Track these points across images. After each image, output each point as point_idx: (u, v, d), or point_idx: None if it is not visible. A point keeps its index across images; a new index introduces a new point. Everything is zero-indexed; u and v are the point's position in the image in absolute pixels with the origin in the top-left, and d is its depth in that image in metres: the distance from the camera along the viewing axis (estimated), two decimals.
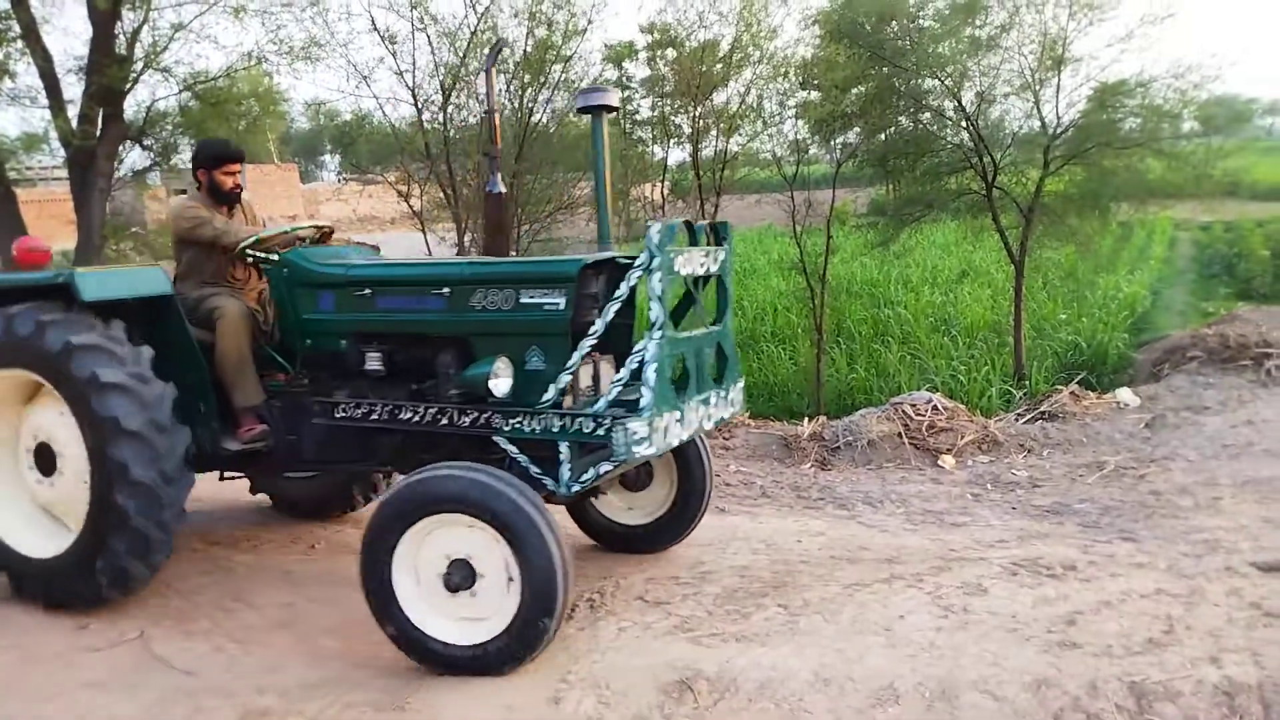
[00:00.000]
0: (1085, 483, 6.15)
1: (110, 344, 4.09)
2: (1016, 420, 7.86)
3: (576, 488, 3.86)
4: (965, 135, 15.00)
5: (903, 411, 7.50)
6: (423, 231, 12.23)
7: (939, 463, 6.88)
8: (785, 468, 7.08)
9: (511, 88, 12.72)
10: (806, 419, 8.33)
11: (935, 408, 7.53)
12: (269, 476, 5.66)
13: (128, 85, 11.63)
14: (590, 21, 13.12)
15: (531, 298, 3.97)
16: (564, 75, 13.26)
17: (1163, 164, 13.87)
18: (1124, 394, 8.42)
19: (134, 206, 14.84)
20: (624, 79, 19.05)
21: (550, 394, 3.87)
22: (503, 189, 4.78)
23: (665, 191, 18.10)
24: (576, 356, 3.85)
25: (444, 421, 4.04)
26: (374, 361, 4.30)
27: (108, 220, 11.99)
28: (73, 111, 11.56)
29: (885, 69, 15.42)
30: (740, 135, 16.80)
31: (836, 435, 7.38)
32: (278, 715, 3.42)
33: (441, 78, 12.29)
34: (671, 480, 4.82)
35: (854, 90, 16.57)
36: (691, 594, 4.31)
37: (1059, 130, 14.32)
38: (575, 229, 16.76)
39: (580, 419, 3.76)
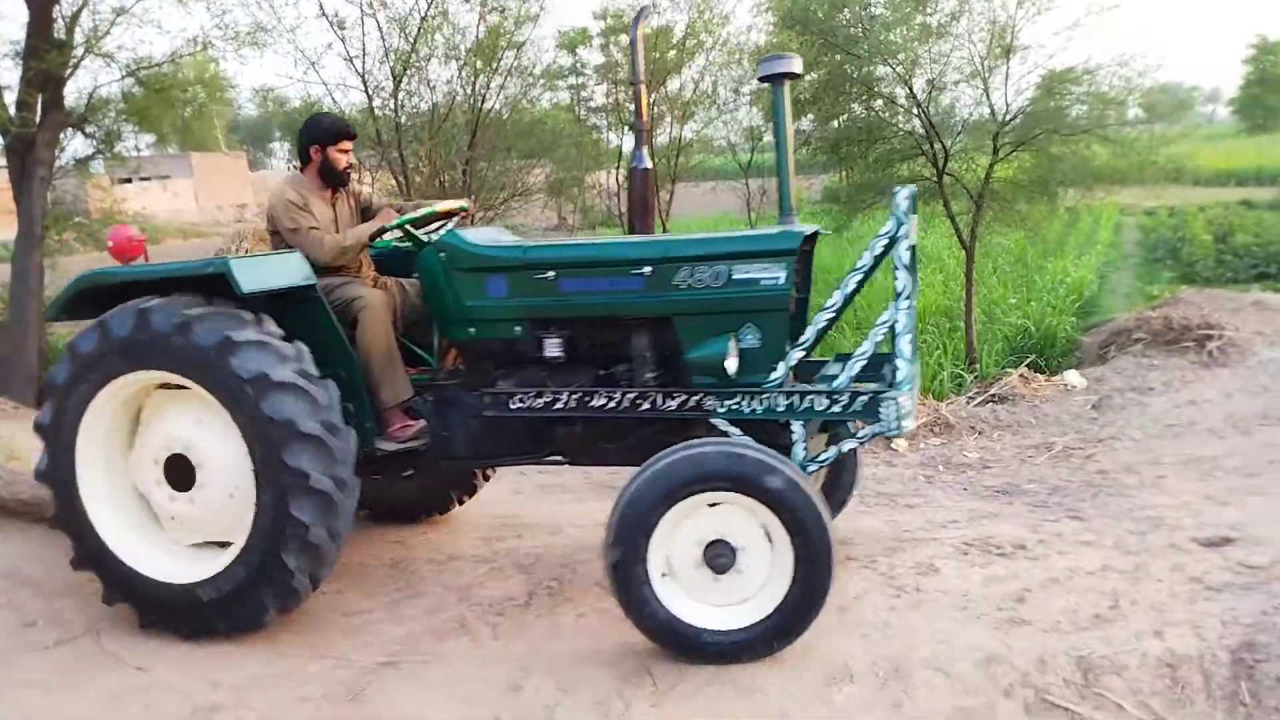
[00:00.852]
0: (1034, 463, 6.26)
1: (272, 340, 3.74)
2: (968, 403, 7.98)
3: (814, 468, 3.77)
4: (917, 122, 15.11)
5: None
6: None
7: (892, 446, 6.95)
8: None
9: (463, 74, 12.59)
10: None
11: None
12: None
13: (68, 71, 11.31)
14: (542, 8, 13.03)
15: (747, 273, 3.74)
16: (516, 62, 13.14)
17: (1109, 150, 14.09)
18: (1071, 376, 8.57)
19: (77, 196, 14.46)
20: (578, 65, 18.97)
21: (779, 371, 3.72)
22: (649, 164, 4.44)
23: (620, 179, 18.07)
24: (811, 331, 3.77)
25: (645, 407, 3.82)
26: (553, 348, 4.01)
27: (49, 210, 11.66)
28: (10, 98, 11.22)
29: (838, 56, 15.47)
30: (695, 122, 16.85)
31: None
32: (230, 709, 3.38)
33: (392, 64, 12.12)
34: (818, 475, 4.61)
35: (807, 77, 16.65)
36: None
37: (1008, 117, 14.47)
38: (529, 216, 16.69)
39: (812, 396, 3.64)
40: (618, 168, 17.90)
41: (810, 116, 17.97)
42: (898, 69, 14.90)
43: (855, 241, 20.35)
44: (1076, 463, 6.13)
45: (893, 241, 3.60)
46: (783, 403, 3.68)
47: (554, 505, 5.32)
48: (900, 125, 15.70)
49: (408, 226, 4.18)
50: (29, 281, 11.31)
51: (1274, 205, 29.62)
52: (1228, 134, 56.47)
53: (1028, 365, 9.77)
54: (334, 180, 4.49)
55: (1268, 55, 59.22)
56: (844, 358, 3.92)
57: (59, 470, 3.95)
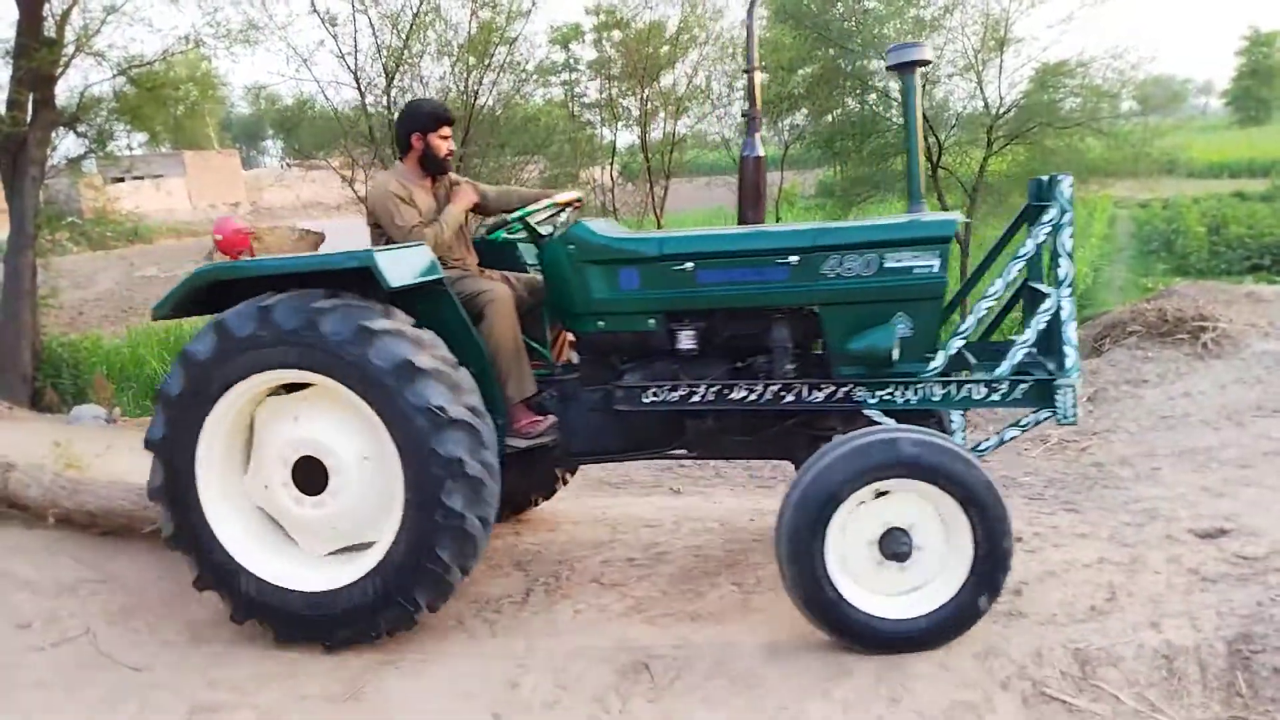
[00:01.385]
0: (1030, 456, 6.27)
1: (408, 328, 3.61)
2: None
3: (982, 453, 3.79)
4: None
5: None
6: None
7: None
8: None
9: (455, 71, 12.56)
10: None
11: None
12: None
13: (59, 70, 11.28)
14: (535, 3, 13.00)
15: (900, 261, 3.69)
16: (509, 57, 13.11)
17: (1102, 143, 14.17)
18: None
19: (69, 195, 14.42)
20: (570, 61, 18.92)
21: (939, 360, 3.72)
22: (761, 152, 4.35)
23: (615, 174, 18.04)
24: (972, 320, 3.79)
25: (789, 399, 3.76)
26: (686, 340, 3.96)
27: (41, 209, 11.62)
28: (0, 97, 11.19)
29: (831, 50, 15.49)
30: (689, 117, 16.84)
31: None
32: (229, 709, 3.38)
33: (384, 61, 12.09)
34: None
35: (801, 71, 16.65)
36: (646, 575, 4.32)
37: (1002, 110, 14.53)
38: None
39: (970, 385, 3.65)
40: (611, 163, 17.87)
41: (804, 111, 17.95)
42: None
43: None
44: (1072, 455, 6.14)
45: (1056, 229, 3.60)
46: (939, 392, 3.68)
47: (550, 502, 5.31)
48: (894, 119, 15.71)
49: (528, 219, 4.11)
50: (21, 281, 11.29)
51: (1266, 197, 29.69)
52: (1221, 126, 56.60)
53: None
54: (435, 168, 4.34)
55: (1260, 47, 59.33)
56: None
57: (177, 486, 3.72)
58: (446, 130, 4.31)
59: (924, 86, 15.12)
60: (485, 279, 4.20)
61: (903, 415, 3.71)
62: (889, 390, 3.69)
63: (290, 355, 3.55)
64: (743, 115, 4.16)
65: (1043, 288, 3.76)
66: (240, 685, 3.52)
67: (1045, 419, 3.67)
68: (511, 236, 4.46)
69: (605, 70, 17.40)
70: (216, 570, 3.75)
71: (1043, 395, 3.62)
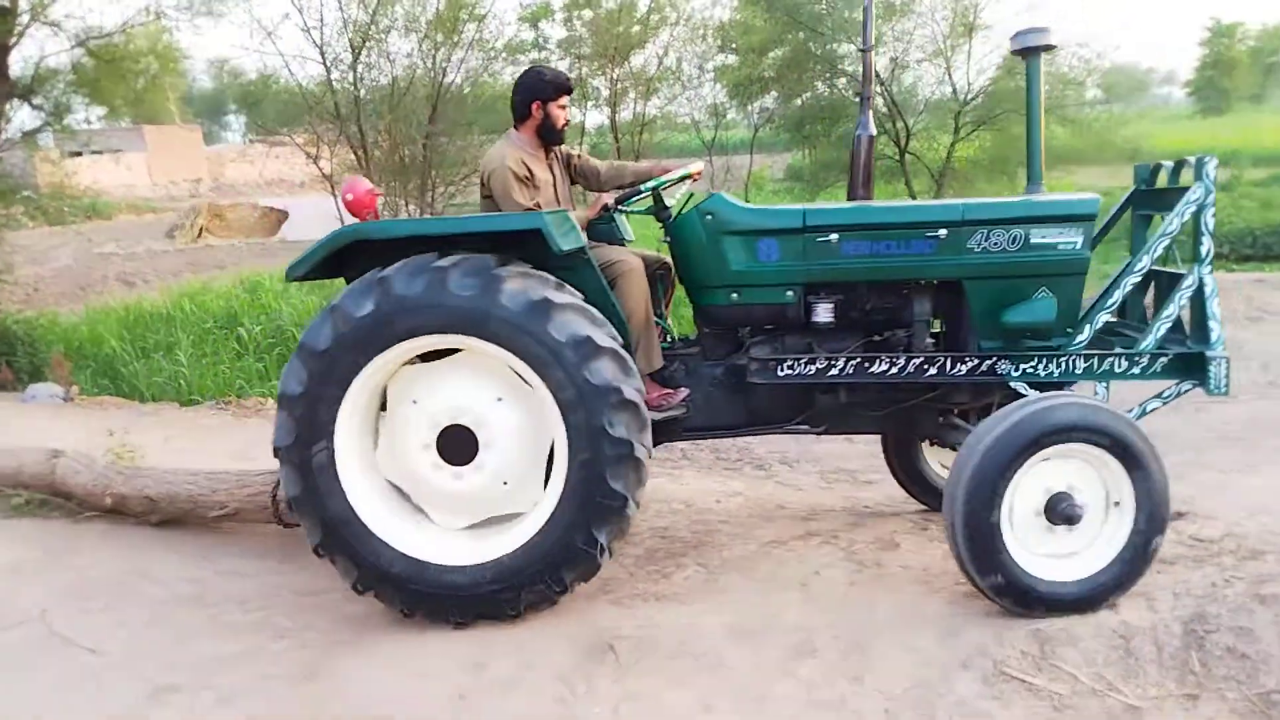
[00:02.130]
0: None
1: (585, 303, 3.54)
2: None
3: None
4: (880, 101, 15.19)
5: None
6: (333, 194, 11.87)
7: None
8: None
9: (423, 48, 12.40)
10: None
11: None
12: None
13: (13, 40, 10.98)
14: None
15: (1045, 237, 3.83)
16: (477, 35, 12.97)
17: (1068, 131, 14.28)
18: None
19: (24, 169, 14.07)
20: (540, 40, 18.74)
21: (1085, 334, 3.84)
22: (873, 131, 4.36)
23: (584, 154, 18.00)
24: (1119, 294, 3.87)
25: (931, 372, 3.81)
26: (823, 313, 3.96)
27: None
28: None
29: (801, 33, 15.49)
30: (658, 98, 16.76)
31: None
32: (189, 690, 3.34)
33: (350, 36, 11.91)
34: None
35: (771, 54, 16.63)
36: (613, 555, 4.32)
37: (969, 97, 14.60)
38: None
39: (1112, 359, 3.77)
40: (581, 144, 17.77)
41: (774, 94, 17.93)
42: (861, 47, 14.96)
43: None
44: None
45: (1200, 208, 3.73)
46: (1081, 365, 3.78)
47: None
48: None
49: (660, 190, 4.06)
50: None
51: (1226, 187, 30.11)
52: (1183, 116, 57.25)
53: None
54: (552, 138, 4.23)
55: (1221, 38, 60.12)
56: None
57: (311, 446, 3.54)
58: (565, 100, 4.21)
59: (893, 71, 15.19)
60: (616, 249, 4.10)
61: (1041, 389, 3.79)
62: (1032, 363, 3.78)
63: (459, 321, 3.43)
64: (855, 95, 4.08)
65: (1170, 269, 3.91)
66: (200, 666, 3.48)
67: (1187, 390, 3.81)
68: (632, 210, 4.34)
69: (575, 50, 17.27)
70: (378, 568, 3.60)
71: (1188, 368, 3.78)
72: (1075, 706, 2.98)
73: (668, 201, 4.09)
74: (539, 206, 3.99)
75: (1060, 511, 3.40)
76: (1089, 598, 3.40)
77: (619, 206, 4.17)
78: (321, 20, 11.96)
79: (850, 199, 4.31)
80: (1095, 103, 15.25)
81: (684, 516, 4.86)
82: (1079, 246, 3.82)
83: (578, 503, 3.49)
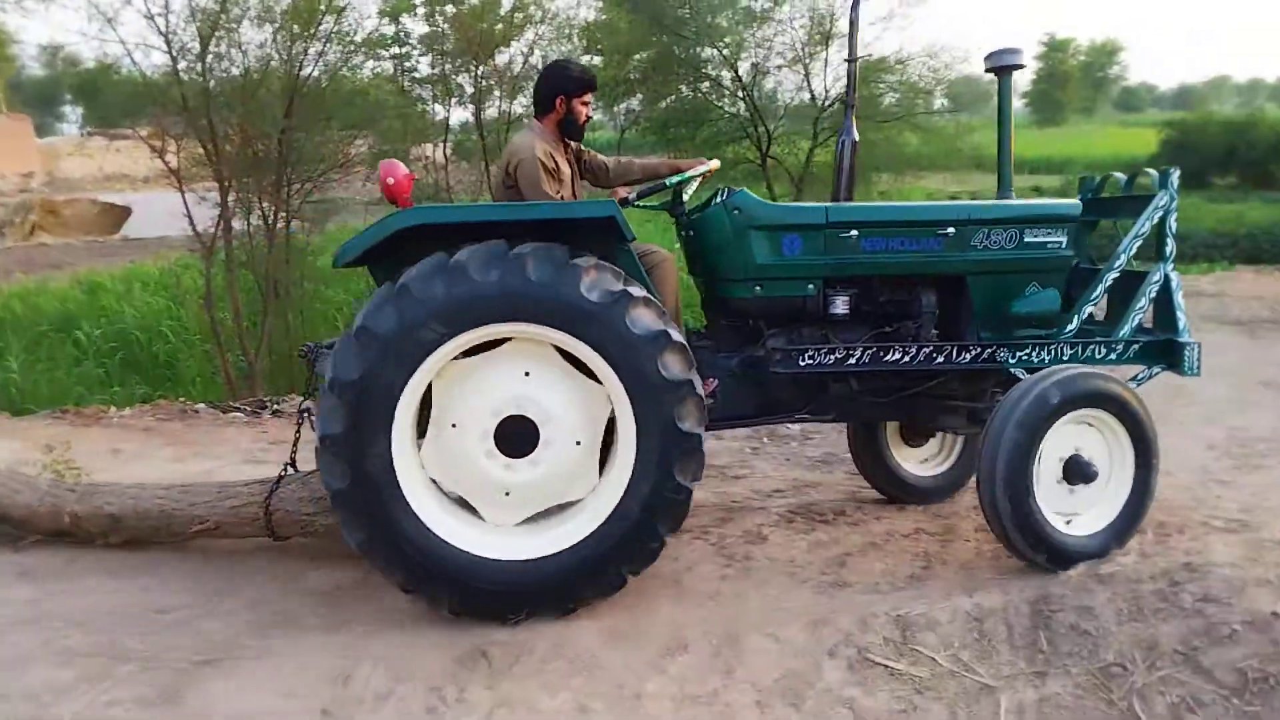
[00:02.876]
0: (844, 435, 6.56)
1: (651, 296, 3.55)
2: None
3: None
4: (742, 105, 15.50)
5: None
6: (180, 191, 11.25)
7: None
8: None
9: (278, 39, 11.90)
10: None
11: None
12: None
13: None
14: None
15: (1036, 237, 4.21)
16: (336, 27, 12.54)
17: (919, 138, 14.93)
18: None
19: None
20: (401, 35, 18.29)
21: (1073, 324, 4.19)
22: (857, 137, 4.61)
23: (448, 152, 17.60)
24: (1100, 288, 4.22)
25: (939, 360, 4.05)
26: (839, 305, 4.14)
27: None
28: None
29: (666, 37, 15.64)
30: (525, 97, 16.57)
31: None
32: None
33: (199, 24, 11.32)
34: (953, 438, 5.01)
35: (636, 56, 16.74)
36: None
37: (827, 103, 15.06)
38: (351, 189, 16.08)
39: (1093, 346, 4.13)
40: (445, 141, 17.43)
41: (639, 96, 18.04)
42: (724, 52, 15.22)
43: None
44: None
45: (1165, 213, 4.16)
46: (1068, 352, 4.13)
47: None
48: (726, 108, 16.04)
49: (681, 186, 4.18)
50: None
51: (1060, 193, 32.14)
52: (1021, 125, 60.80)
53: None
54: (573, 133, 4.21)
55: (1055, 53, 64.16)
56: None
57: (363, 436, 3.38)
58: (589, 96, 4.20)
59: (754, 77, 15.53)
60: (647, 243, 4.14)
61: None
62: (1027, 351, 4.12)
63: (531, 308, 3.38)
64: (841, 102, 4.22)
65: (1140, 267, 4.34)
66: (36, 695, 3.23)
67: (1157, 374, 4.28)
68: (647, 205, 4.41)
69: (438, 46, 16.93)
70: (430, 566, 3.49)
71: (1162, 354, 4.24)
72: (935, 688, 3.11)
73: (684, 196, 4.21)
74: (562, 198, 4.02)
75: (1075, 473, 3.81)
76: (1099, 549, 3.79)
77: (637, 201, 4.28)
78: (167, 6, 11.32)
79: (835, 199, 4.48)
80: (943, 111, 15.98)
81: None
82: (1064, 246, 4.26)
83: (643, 496, 3.52)
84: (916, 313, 4.22)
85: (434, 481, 3.66)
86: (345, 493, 3.42)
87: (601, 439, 3.64)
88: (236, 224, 10.43)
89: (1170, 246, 4.22)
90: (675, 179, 4.20)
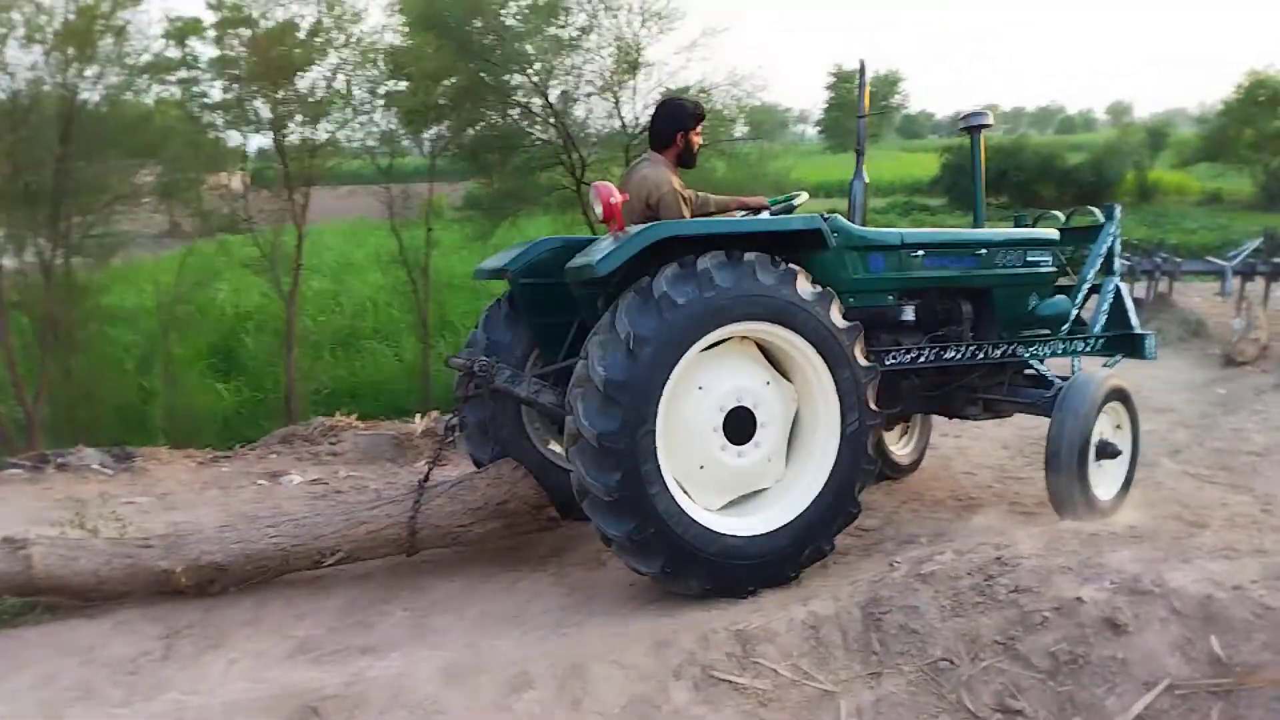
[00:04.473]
0: None
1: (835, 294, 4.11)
2: None
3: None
4: (554, 132, 15.58)
5: None
6: None
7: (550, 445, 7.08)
8: (399, 467, 6.88)
9: (50, 59, 11.00)
10: (418, 416, 8.17)
11: None
12: None
13: None
14: None
15: (1034, 257, 5.16)
16: (116, 49, 11.72)
17: (725, 163, 15.46)
18: None
19: None
20: (189, 58, 17.29)
21: (1068, 325, 5.24)
22: (866, 179, 5.36)
23: (247, 180, 16.75)
24: (1080, 296, 5.27)
25: (980, 356, 4.89)
26: (908, 313, 4.79)
27: None
28: None
29: (473, 63, 15.52)
30: (328, 123, 16.03)
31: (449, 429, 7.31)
32: None
33: None
34: (918, 423, 6.08)
35: (444, 82, 16.51)
36: (308, 612, 4.03)
37: (637, 130, 15.36)
38: (138, 221, 15.08)
39: (1077, 342, 5.24)
40: (243, 169, 16.60)
41: (448, 122, 17.80)
42: (533, 79, 15.25)
43: (501, 247, 20.49)
44: None
45: (1114, 238, 5.32)
46: (1061, 346, 5.16)
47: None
48: (538, 134, 16.07)
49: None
50: None
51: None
52: (816, 151, 64.21)
53: None
54: (689, 163, 4.70)
55: (843, 83, 68.17)
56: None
57: (635, 431, 3.67)
58: (700, 127, 4.71)
59: (564, 104, 15.65)
60: None
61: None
62: (1035, 347, 5.08)
63: (765, 309, 3.88)
64: (855, 150, 5.42)
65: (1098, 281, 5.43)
66: None
67: (1118, 361, 5.33)
68: None
69: (232, 69, 16.10)
70: (658, 524, 3.75)
71: (1125, 345, 5.34)
72: (778, 699, 3.16)
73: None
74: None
75: (1104, 452, 4.78)
76: (1116, 508, 4.82)
77: None
78: None
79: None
80: (746, 138, 16.62)
81: (384, 561, 4.62)
82: (1050, 264, 5.22)
83: (847, 468, 4.04)
84: (959, 319, 4.99)
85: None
86: (618, 486, 3.69)
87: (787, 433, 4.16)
88: (7, 261, 9.51)
89: (1117, 263, 5.34)
90: (780, 201, 4.90)
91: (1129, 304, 5.34)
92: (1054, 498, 4.72)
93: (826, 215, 4.47)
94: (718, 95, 15.12)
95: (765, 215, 4.75)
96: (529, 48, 15.16)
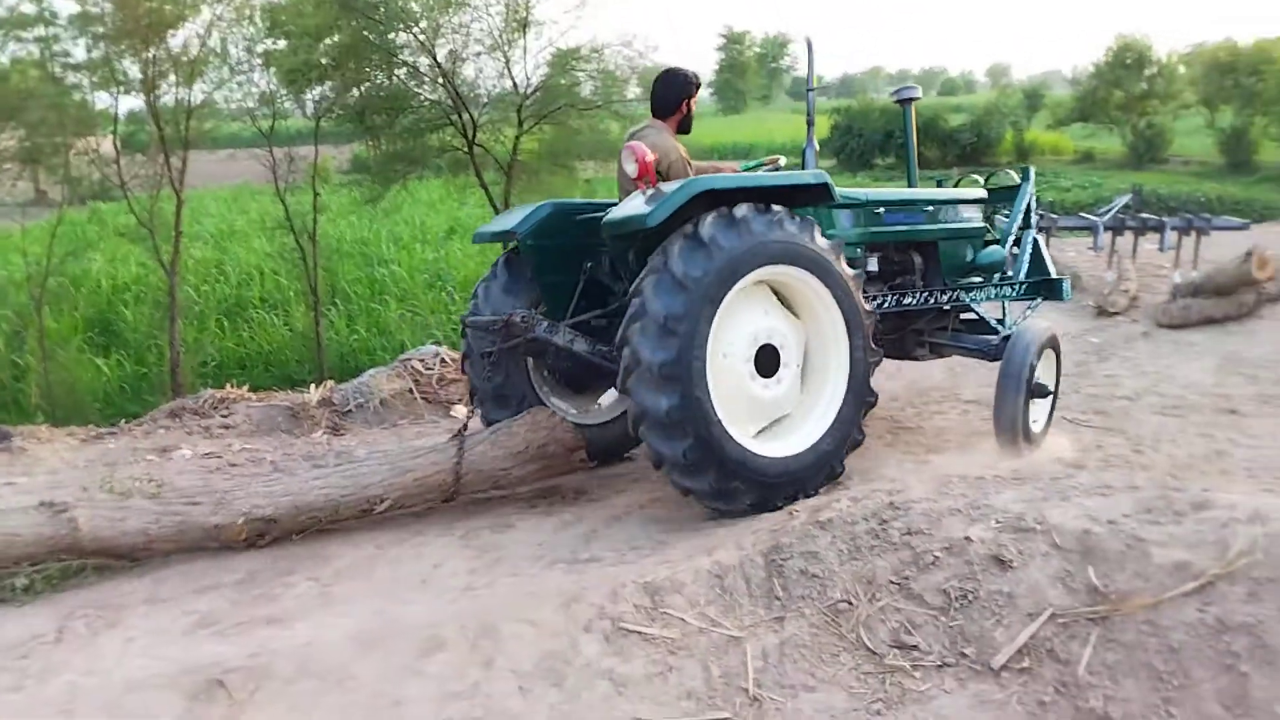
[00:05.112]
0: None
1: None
2: None
3: (1013, 327, 5.62)
4: (443, 92, 15.24)
5: (412, 367, 7.53)
6: None
7: (452, 413, 7.03)
8: (295, 438, 6.72)
9: None
10: (312, 385, 7.98)
11: (442, 360, 7.67)
12: None
13: None
14: None
15: (967, 213, 5.82)
16: None
17: (620, 125, 15.40)
18: None
19: None
20: (47, 14, 16.23)
21: (1010, 273, 5.85)
22: (816, 147, 5.50)
23: (118, 144, 15.87)
24: (1008, 248, 5.87)
25: (932, 302, 5.42)
26: (872, 264, 5.27)
27: None
28: None
29: (356, 20, 15.02)
30: (204, 83, 15.31)
31: (347, 398, 7.18)
32: None
33: None
34: None
35: (326, 40, 15.94)
36: (209, 586, 3.94)
37: (529, 90, 15.16)
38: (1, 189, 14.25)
39: (1005, 287, 5.80)
40: (114, 133, 15.73)
41: (331, 83, 17.22)
42: (419, 37, 14.86)
43: (392, 212, 20.08)
44: None
45: (1031, 197, 5.99)
46: (994, 292, 5.76)
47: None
48: (426, 95, 15.70)
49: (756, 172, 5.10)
50: None
51: None
52: (709, 114, 64.56)
53: None
54: (687, 129, 5.14)
55: (734, 45, 68.56)
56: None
57: (690, 366, 4.06)
58: (698, 95, 5.17)
59: (453, 64, 15.31)
60: None
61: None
62: (974, 292, 5.66)
63: (789, 253, 4.33)
64: (806, 120, 5.50)
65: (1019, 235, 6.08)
66: None
67: (1039, 304, 6.05)
68: None
69: (95, 27, 15.19)
70: (710, 446, 4.13)
71: (1046, 288, 5.97)
72: (687, 647, 3.25)
73: None
74: None
75: (1039, 390, 5.26)
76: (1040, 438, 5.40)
77: None
78: None
79: None
80: (639, 100, 16.57)
81: (286, 529, 4.53)
82: (979, 221, 5.90)
83: (854, 399, 4.54)
84: (912, 269, 5.53)
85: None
86: (674, 410, 4.06)
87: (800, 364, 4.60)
88: None
89: (1034, 218, 6.06)
90: (751, 163, 5.35)
91: (1045, 253, 6.03)
92: (1000, 430, 5.19)
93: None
94: (610, 55, 15.02)
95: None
96: (414, 4, 14.77)
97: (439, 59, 15.05)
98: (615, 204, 4.82)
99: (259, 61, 16.30)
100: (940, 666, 3.04)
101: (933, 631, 3.14)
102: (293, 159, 16.00)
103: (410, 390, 7.25)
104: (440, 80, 15.07)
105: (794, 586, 3.49)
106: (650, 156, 4.49)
